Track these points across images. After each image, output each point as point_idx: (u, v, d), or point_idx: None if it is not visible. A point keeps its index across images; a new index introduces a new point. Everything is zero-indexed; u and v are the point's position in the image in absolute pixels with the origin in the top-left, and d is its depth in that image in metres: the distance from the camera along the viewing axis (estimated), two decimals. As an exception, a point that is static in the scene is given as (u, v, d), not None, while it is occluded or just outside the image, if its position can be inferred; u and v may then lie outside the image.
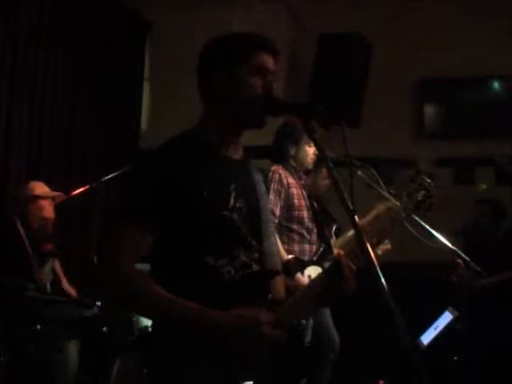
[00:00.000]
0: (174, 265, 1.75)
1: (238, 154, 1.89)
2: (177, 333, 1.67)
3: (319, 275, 1.86)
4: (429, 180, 2.36)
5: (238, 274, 1.74)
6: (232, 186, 1.79)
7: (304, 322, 1.83)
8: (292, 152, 3.68)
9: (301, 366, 1.83)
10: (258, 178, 1.96)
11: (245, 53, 1.80)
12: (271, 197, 3.47)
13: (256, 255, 1.81)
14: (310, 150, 3.67)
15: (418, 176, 2.39)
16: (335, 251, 3.89)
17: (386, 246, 3.78)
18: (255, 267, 1.79)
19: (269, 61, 1.81)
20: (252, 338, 1.61)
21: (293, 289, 1.89)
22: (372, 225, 2.26)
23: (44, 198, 3.94)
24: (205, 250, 1.72)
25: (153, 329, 1.82)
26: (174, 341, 1.68)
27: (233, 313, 1.63)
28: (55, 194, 4.01)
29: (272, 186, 3.50)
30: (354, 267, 1.79)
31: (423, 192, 2.34)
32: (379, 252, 3.68)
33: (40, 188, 3.96)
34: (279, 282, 1.86)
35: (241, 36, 1.85)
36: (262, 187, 1.95)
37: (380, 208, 4.42)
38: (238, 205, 1.79)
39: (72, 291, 4.10)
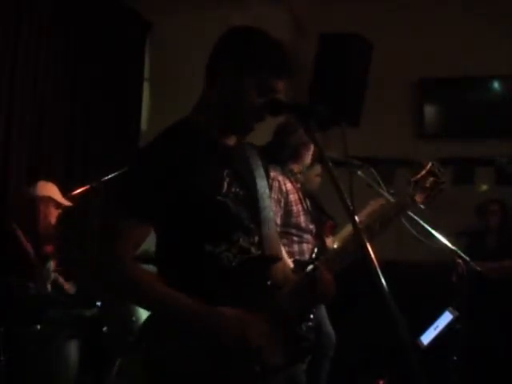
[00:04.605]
0: (174, 254, 1.77)
1: (231, 141, 1.89)
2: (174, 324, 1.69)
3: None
4: (439, 166, 2.24)
5: (236, 260, 1.75)
6: (225, 172, 1.80)
7: (311, 316, 1.85)
8: (286, 154, 3.63)
9: (300, 351, 1.85)
10: (257, 163, 1.95)
11: (262, 72, 1.76)
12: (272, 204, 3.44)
13: (256, 239, 1.82)
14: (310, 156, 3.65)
15: (424, 165, 2.25)
16: (333, 244, 3.89)
17: None
18: (254, 252, 1.81)
19: (280, 85, 1.80)
20: (240, 341, 1.65)
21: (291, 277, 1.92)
22: (369, 216, 2.18)
23: (58, 205, 3.94)
24: (202, 236, 1.74)
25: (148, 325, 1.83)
26: (170, 336, 1.70)
27: (224, 312, 1.66)
28: (68, 203, 4.00)
29: (272, 196, 3.46)
30: (330, 277, 1.81)
31: (432, 179, 2.22)
32: None
33: (56, 193, 3.94)
34: (279, 268, 1.88)
35: (268, 47, 1.80)
36: (260, 172, 1.95)
37: (374, 205, 4.41)
38: (233, 190, 1.80)
39: (69, 287, 4.06)
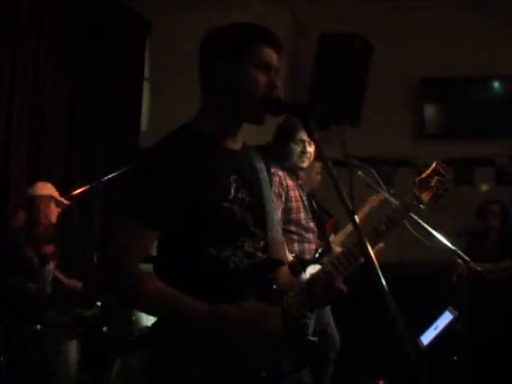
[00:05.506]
0: (178, 259, 1.75)
1: (237, 145, 1.88)
2: (183, 330, 1.68)
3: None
4: (444, 165, 2.19)
5: (242, 264, 1.75)
6: (232, 178, 1.80)
7: (309, 314, 1.84)
8: (280, 150, 3.63)
9: (304, 357, 1.84)
10: (261, 166, 1.95)
11: (252, 46, 1.78)
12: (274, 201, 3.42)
13: (261, 244, 1.82)
14: (297, 149, 3.61)
15: (429, 164, 2.20)
16: (334, 248, 3.88)
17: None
18: (260, 256, 1.80)
19: (273, 57, 1.81)
20: (258, 332, 1.66)
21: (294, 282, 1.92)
22: (370, 216, 2.12)
23: (58, 203, 3.94)
24: (207, 242, 1.72)
25: (158, 326, 1.82)
26: (181, 338, 1.69)
27: (240, 306, 1.66)
28: (68, 203, 4.01)
29: (273, 190, 3.46)
30: (334, 278, 1.80)
31: (437, 178, 2.18)
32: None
33: (55, 192, 3.95)
34: (283, 272, 1.88)
35: (248, 27, 1.83)
36: (264, 176, 1.95)
37: (372, 203, 4.41)
38: (239, 195, 1.79)
39: (77, 283, 4.04)
